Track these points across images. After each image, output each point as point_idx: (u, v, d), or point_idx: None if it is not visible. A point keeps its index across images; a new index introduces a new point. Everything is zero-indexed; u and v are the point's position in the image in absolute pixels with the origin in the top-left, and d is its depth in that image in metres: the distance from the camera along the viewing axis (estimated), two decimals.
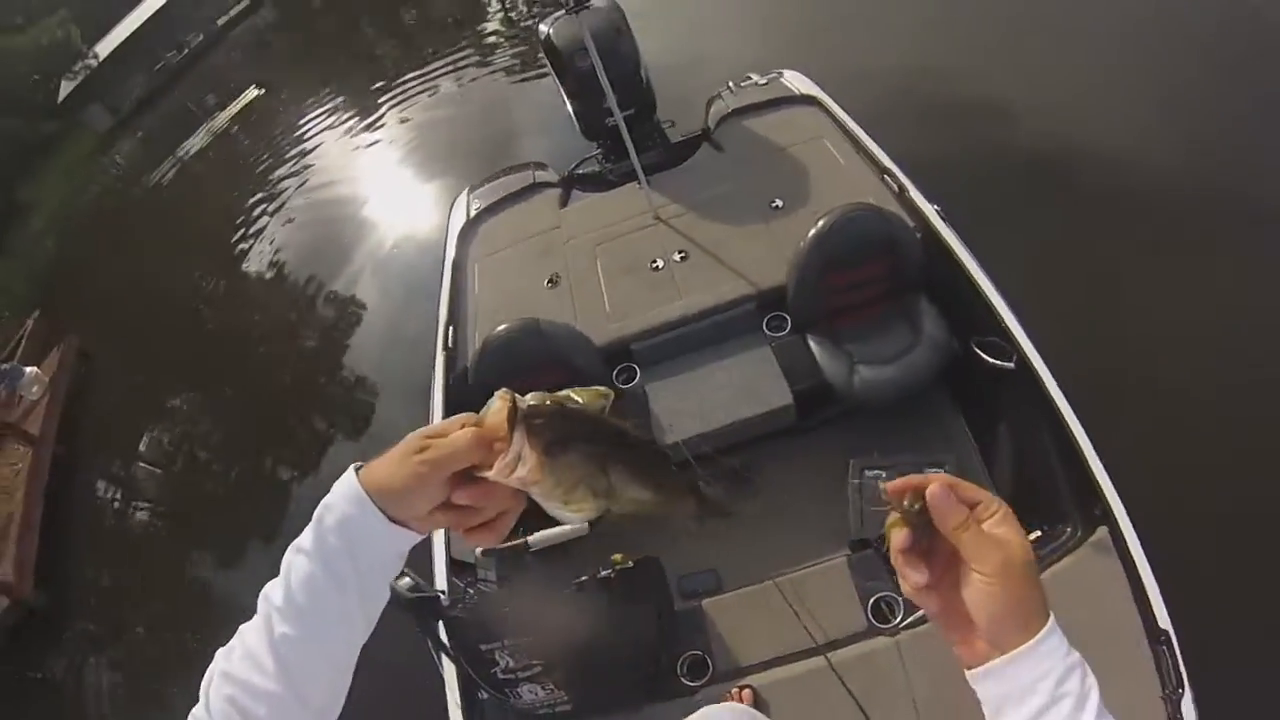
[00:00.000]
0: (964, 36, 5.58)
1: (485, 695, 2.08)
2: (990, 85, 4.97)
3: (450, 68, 9.20)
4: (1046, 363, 2.37)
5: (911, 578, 0.65)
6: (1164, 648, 1.80)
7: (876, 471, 2.51)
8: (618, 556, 2.03)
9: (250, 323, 6.77)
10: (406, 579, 1.93)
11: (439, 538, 2.50)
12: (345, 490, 0.67)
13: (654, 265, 3.16)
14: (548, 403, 0.65)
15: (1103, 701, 0.61)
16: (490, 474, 0.63)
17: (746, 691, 2.03)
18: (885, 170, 3.07)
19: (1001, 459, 2.59)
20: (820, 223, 2.68)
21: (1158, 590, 1.90)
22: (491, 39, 9.69)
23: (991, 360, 2.49)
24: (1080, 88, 4.69)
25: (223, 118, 12.15)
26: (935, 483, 0.64)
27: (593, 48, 2.94)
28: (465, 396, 2.94)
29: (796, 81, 3.78)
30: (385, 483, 0.66)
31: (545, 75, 5.17)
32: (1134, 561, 1.95)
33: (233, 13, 18.96)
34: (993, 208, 3.89)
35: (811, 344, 2.79)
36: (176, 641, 4.42)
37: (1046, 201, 4.08)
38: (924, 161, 3.30)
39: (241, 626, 0.67)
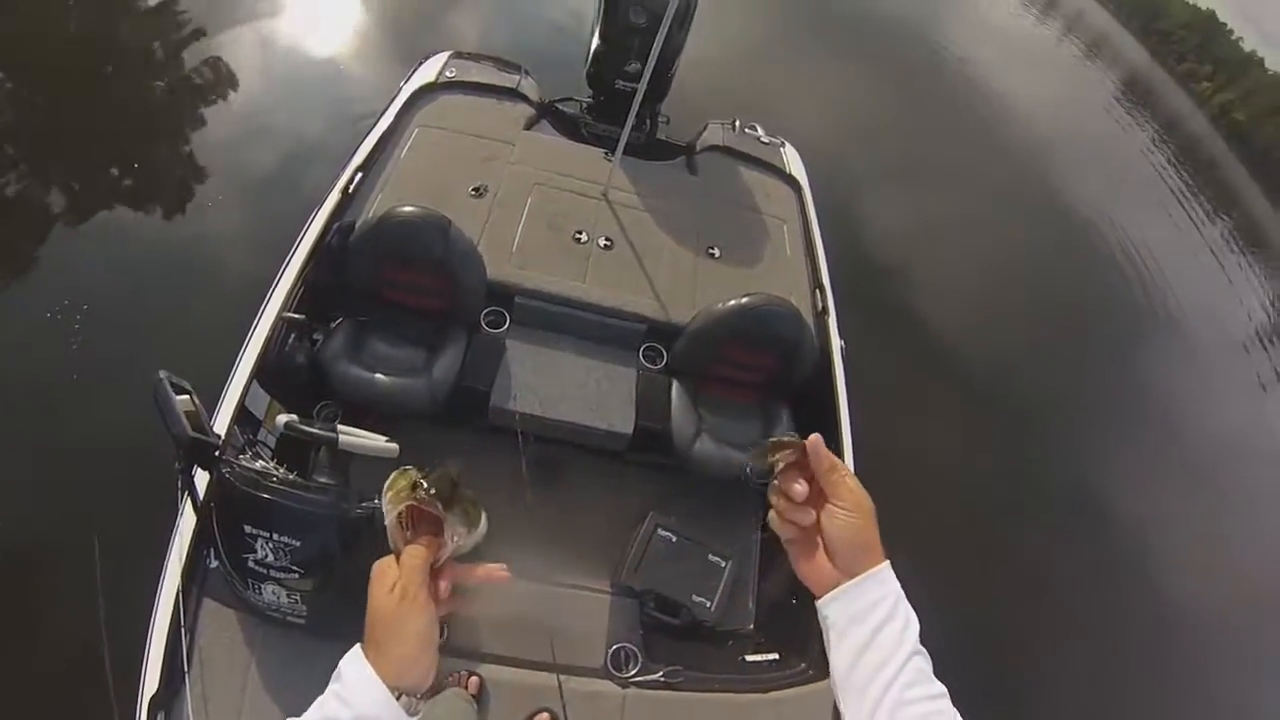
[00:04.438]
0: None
1: (214, 564, 1.89)
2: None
3: None
4: None
5: (795, 490, 0.79)
6: None
7: (668, 535, 2.60)
8: None
9: (111, 38, 5.59)
10: (189, 401, 1.72)
11: (239, 378, 2.31)
12: (372, 695, 0.69)
13: (578, 235, 3.10)
14: (423, 484, 0.78)
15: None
16: (447, 553, 0.80)
17: (474, 679, 2.01)
18: (820, 285, 3.20)
19: (775, 581, 2.75)
20: (748, 298, 2.75)
21: None
22: None
23: None
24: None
25: None
26: (811, 438, 0.80)
27: (670, 14, 2.81)
28: (338, 250, 2.73)
29: (792, 159, 3.85)
30: (408, 658, 0.72)
31: None
32: None
33: None
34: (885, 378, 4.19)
35: (674, 391, 2.84)
36: None
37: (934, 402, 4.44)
38: (850, 298, 3.47)
39: None
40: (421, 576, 0.75)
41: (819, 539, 0.80)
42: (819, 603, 0.80)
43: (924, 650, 0.76)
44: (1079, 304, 6.03)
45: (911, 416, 4.40)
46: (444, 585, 0.79)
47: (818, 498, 0.80)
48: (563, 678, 1.97)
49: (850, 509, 0.78)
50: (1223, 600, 4.54)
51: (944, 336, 5.00)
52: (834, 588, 0.79)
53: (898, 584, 0.78)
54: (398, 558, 0.78)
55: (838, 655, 0.78)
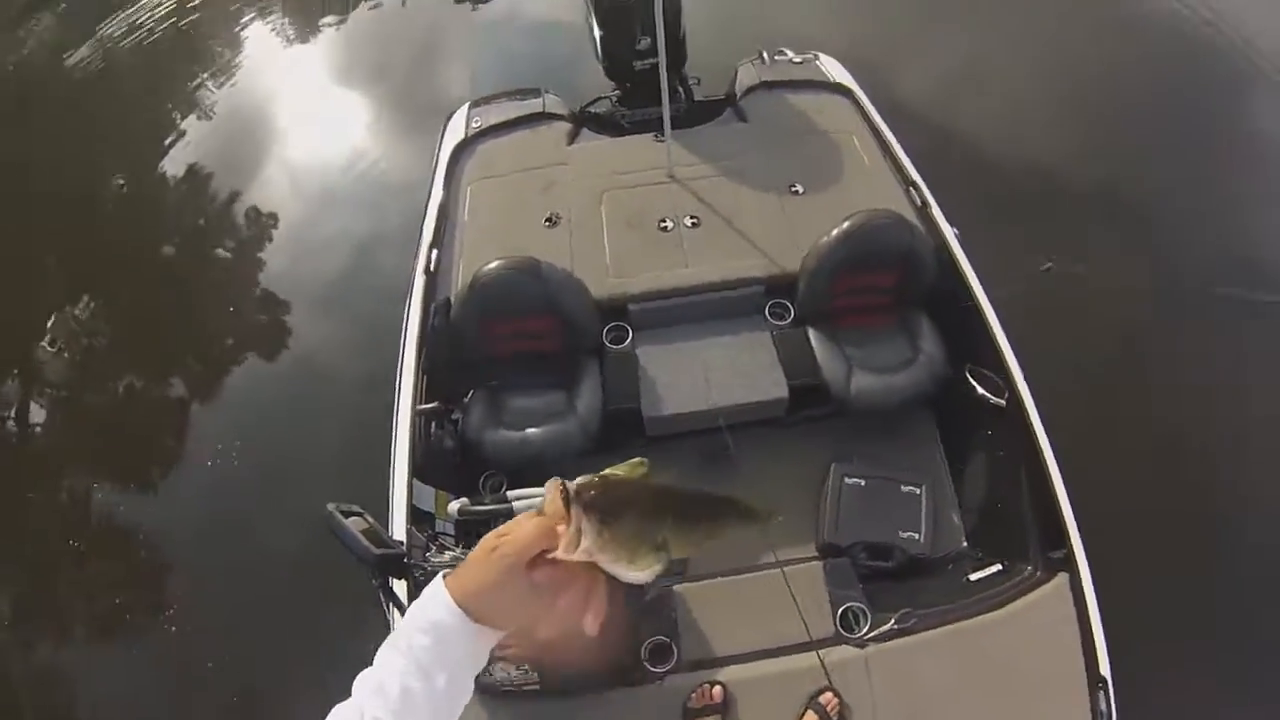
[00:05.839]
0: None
1: None
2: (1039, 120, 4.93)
3: None
4: (1036, 405, 2.42)
5: None
6: (1102, 692, 1.94)
7: (855, 481, 2.55)
8: None
9: (161, 230, 5.85)
10: (361, 520, 1.77)
11: (400, 482, 2.38)
12: (435, 597, 0.74)
13: (662, 225, 3.06)
14: (595, 479, 0.71)
15: None
16: (558, 553, 0.70)
17: (716, 689, 2.02)
18: (911, 182, 3.05)
19: (973, 490, 2.65)
20: (848, 223, 2.65)
21: (1104, 639, 2.02)
22: None
23: (983, 392, 2.55)
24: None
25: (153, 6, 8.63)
26: None
27: None
28: (444, 329, 2.79)
29: (831, 67, 3.68)
30: (471, 587, 0.73)
31: None
32: (1087, 610, 2.06)
33: None
34: (1004, 240, 3.90)
35: (812, 340, 2.77)
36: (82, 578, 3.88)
37: (1059, 243, 4.10)
38: (942, 179, 3.25)
39: (335, 708, 0.71)
40: (519, 550, 0.72)
41: None
42: None
43: None
44: (1177, 87, 5.36)
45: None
46: (537, 575, 0.71)
47: None
48: (800, 656, 1.97)
49: None
50: None
51: (1042, 170, 4.60)
52: None
53: None
54: None
55: None
